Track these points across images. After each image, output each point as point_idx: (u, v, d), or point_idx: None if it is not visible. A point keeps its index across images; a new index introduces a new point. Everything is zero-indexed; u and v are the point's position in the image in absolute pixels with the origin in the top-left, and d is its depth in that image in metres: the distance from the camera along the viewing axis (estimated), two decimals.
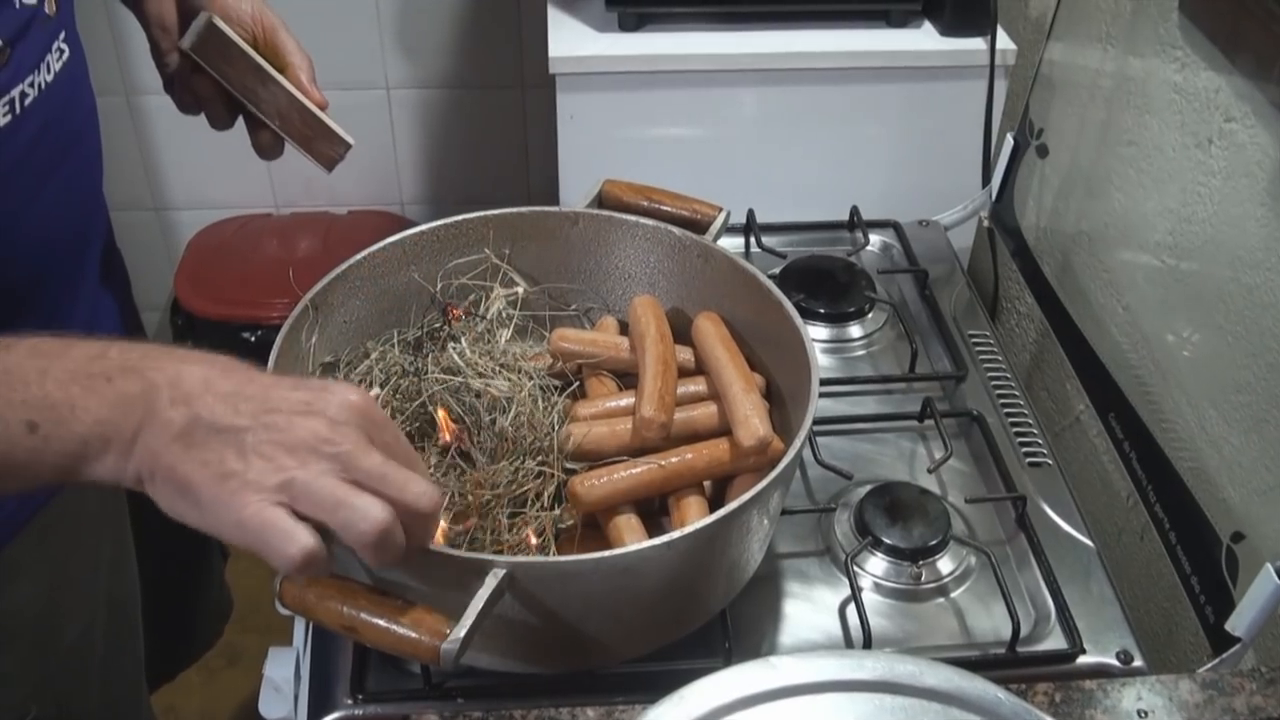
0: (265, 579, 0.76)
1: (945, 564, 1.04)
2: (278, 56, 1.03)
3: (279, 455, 0.68)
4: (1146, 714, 0.85)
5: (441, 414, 0.97)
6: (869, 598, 1.02)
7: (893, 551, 1.04)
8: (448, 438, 0.97)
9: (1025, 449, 1.18)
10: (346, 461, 0.69)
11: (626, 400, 1.01)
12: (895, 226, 1.48)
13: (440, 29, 2.15)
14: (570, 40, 1.52)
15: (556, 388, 1.04)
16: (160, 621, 1.40)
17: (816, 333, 1.31)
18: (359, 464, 0.69)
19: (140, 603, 1.26)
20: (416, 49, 2.17)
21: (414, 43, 2.17)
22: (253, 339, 2.10)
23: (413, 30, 2.15)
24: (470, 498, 0.92)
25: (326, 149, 1.06)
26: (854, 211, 1.46)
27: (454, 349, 1.04)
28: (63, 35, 0.95)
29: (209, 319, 2.12)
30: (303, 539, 0.67)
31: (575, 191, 1.53)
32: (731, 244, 1.26)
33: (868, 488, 1.09)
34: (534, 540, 0.92)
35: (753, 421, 0.93)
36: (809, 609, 1.02)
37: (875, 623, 0.98)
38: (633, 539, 0.90)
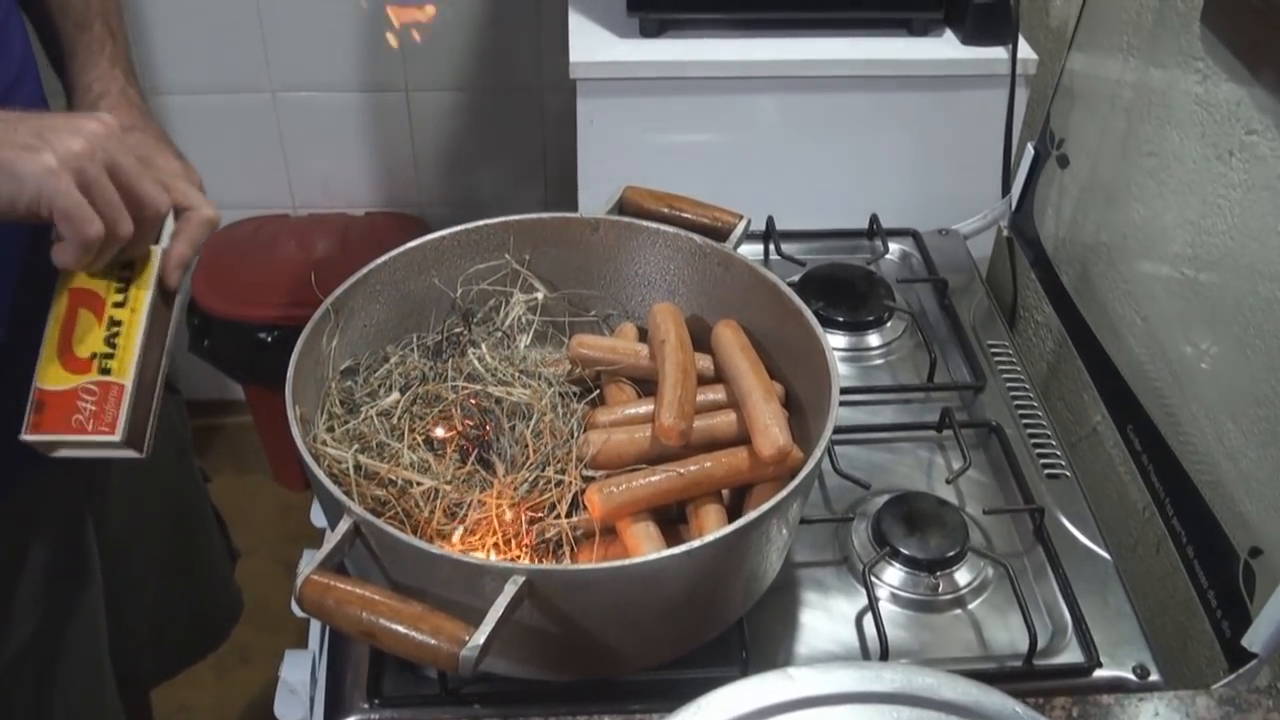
0: (279, 579, 0.76)
1: (963, 575, 1.04)
2: None
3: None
4: None
5: (457, 413, 0.97)
6: (886, 608, 1.02)
7: (910, 562, 1.04)
8: (457, 427, 0.96)
9: (1043, 460, 1.18)
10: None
11: (646, 408, 1.01)
12: (914, 235, 1.48)
13: (460, 32, 2.16)
14: (591, 45, 1.52)
15: (575, 394, 1.05)
16: (163, 621, 1.40)
17: (835, 341, 1.31)
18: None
19: (104, 605, 1.23)
20: (436, 51, 2.18)
21: (434, 45, 2.17)
22: (269, 339, 2.10)
23: (433, 33, 2.15)
24: (491, 505, 0.92)
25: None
26: (873, 220, 1.46)
27: (474, 354, 1.04)
28: None
29: (226, 319, 2.13)
30: (98, 227, 0.81)
31: (595, 196, 1.53)
32: (750, 251, 1.26)
33: (886, 498, 1.10)
34: (535, 560, 0.91)
35: (772, 430, 0.93)
36: (826, 619, 1.02)
37: (892, 633, 0.98)
38: (651, 547, 0.90)
